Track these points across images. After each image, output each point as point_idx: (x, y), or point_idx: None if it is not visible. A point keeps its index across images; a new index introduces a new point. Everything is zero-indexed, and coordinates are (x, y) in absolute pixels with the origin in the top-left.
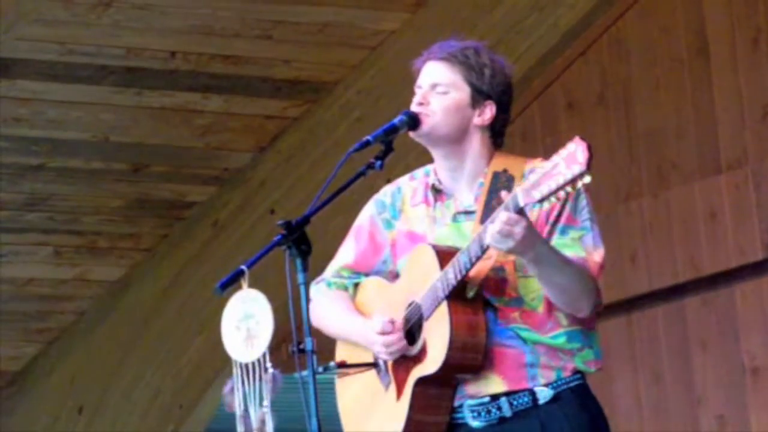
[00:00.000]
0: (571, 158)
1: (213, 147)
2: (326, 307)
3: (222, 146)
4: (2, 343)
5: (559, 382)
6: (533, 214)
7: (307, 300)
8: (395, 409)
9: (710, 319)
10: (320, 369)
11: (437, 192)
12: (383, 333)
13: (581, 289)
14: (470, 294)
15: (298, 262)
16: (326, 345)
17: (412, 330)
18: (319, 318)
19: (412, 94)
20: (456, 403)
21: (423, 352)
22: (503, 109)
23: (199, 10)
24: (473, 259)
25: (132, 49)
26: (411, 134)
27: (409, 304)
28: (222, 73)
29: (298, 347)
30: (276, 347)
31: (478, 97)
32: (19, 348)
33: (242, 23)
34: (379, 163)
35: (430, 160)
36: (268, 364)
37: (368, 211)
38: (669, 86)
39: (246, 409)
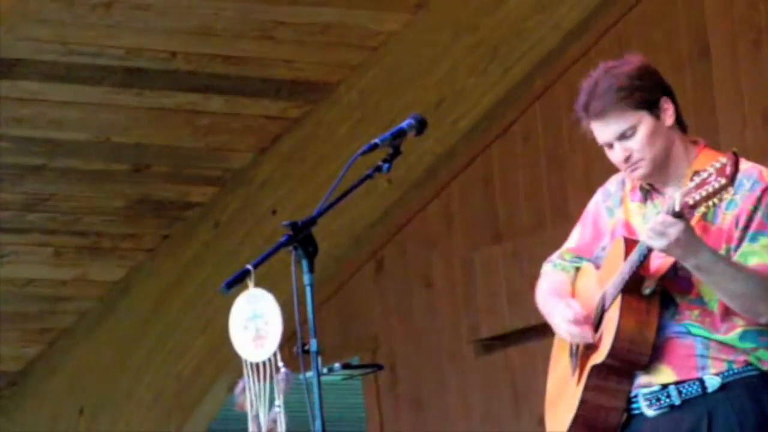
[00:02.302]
0: (721, 170)
1: (214, 147)
2: (541, 286)
3: (223, 147)
4: (3, 344)
5: (730, 372)
6: (726, 219)
7: None
8: (575, 391)
9: None
10: (324, 370)
11: (646, 191)
12: (574, 320)
13: (758, 296)
14: (646, 291)
15: (305, 263)
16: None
17: (598, 318)
18: (537, 295)
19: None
20: (632, 393)
21: (599, 340)
22: (671, 92)
23: (200, 11)
24: (641, 257)
25: (133, 49)
26: (639, 181)
27: (602, 293)
28: (223, 73)
29: (303, 348)
30: (279, 348)
31: (655, 107)
32: (20, 348)
33: (243, 24)
34: (386, 165)
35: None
36: (280, 363)
37: (596, 198)
38: None
39: (258, 409)
